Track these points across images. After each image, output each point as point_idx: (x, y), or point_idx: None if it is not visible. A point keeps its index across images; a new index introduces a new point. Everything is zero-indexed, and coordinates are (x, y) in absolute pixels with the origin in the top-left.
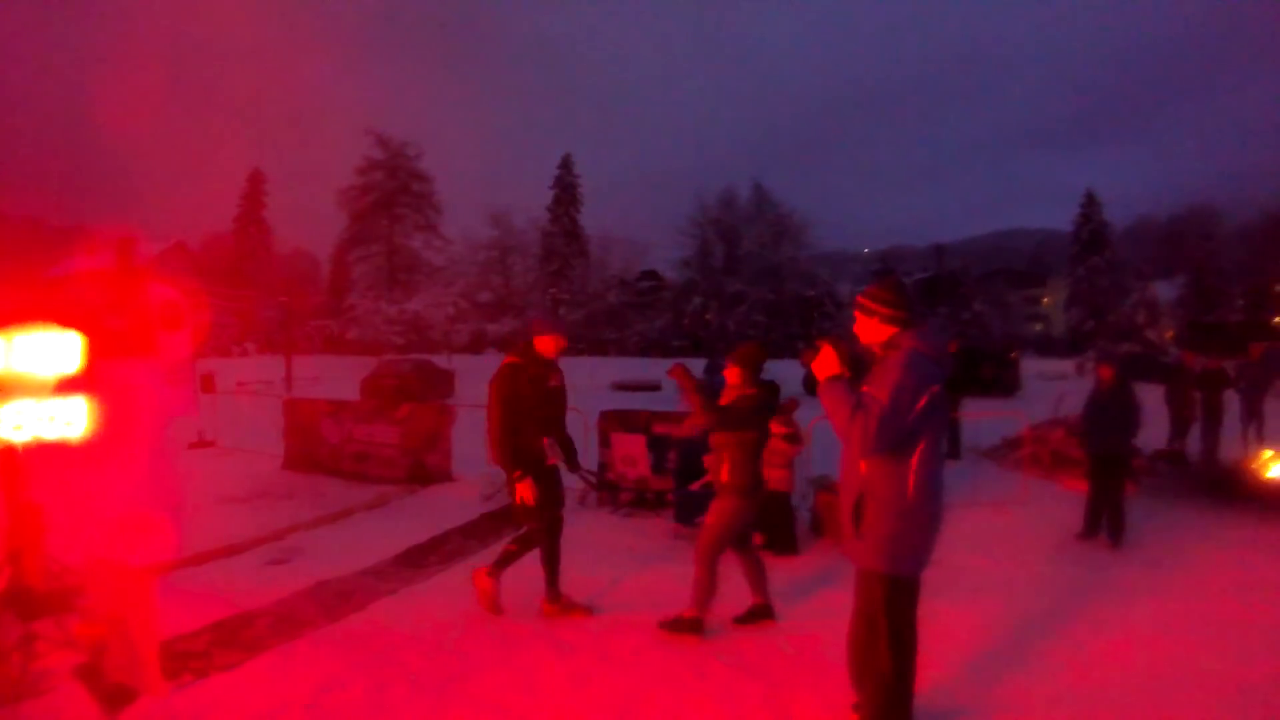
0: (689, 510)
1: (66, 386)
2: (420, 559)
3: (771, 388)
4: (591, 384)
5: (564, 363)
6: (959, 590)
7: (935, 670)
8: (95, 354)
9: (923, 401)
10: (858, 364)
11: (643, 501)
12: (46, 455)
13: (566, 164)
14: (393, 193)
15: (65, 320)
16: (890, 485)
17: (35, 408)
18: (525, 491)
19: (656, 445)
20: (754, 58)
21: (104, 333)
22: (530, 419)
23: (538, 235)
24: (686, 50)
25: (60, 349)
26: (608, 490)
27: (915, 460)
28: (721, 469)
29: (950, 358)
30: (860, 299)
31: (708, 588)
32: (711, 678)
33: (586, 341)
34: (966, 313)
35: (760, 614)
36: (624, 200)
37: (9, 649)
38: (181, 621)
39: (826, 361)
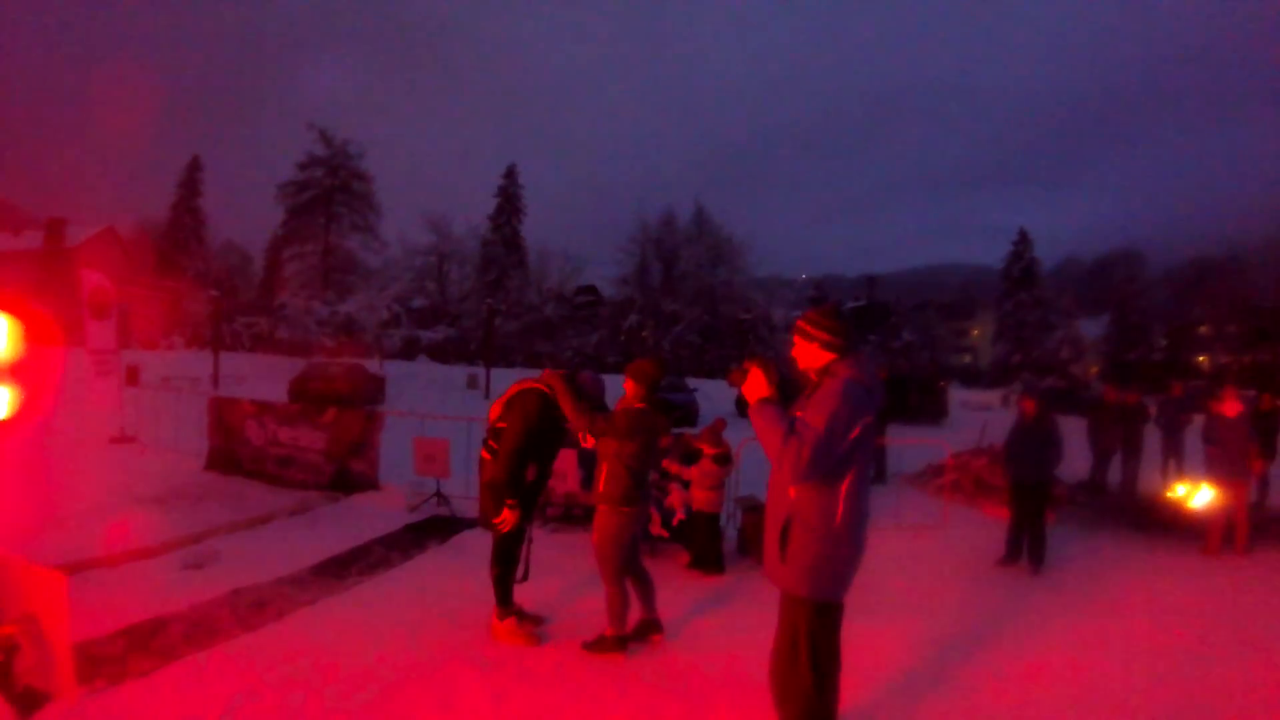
0: None
1: None
2: (341, 570)
3: (665, 407)
4: None
5: (495, 374)
6: (881, 611)
7: (856, 690)
8: (22, 339)
9: (856, 431)
10: (785, 386)
11: (570, 517)
12: None
13: (511, 174)
14: (332, 190)
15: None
16: (818, 512)
17: None
18: (510, 517)
19: (586, 460)
20: (695, 89)
21: (29, 317)
22: (535, 450)
23: (477, 244)
24: (630, 75)
25: None
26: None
27: (845, 488)
28: (599, 480)
29: (882, 387)
30: (800, 323)
31: (621, 603)
32: (632, 695)
33: (520, 353)
34: (896, 341)
35: (647, 630)
36: (565, 214)
37: None
38: (95, 624)
39: (756, 384)
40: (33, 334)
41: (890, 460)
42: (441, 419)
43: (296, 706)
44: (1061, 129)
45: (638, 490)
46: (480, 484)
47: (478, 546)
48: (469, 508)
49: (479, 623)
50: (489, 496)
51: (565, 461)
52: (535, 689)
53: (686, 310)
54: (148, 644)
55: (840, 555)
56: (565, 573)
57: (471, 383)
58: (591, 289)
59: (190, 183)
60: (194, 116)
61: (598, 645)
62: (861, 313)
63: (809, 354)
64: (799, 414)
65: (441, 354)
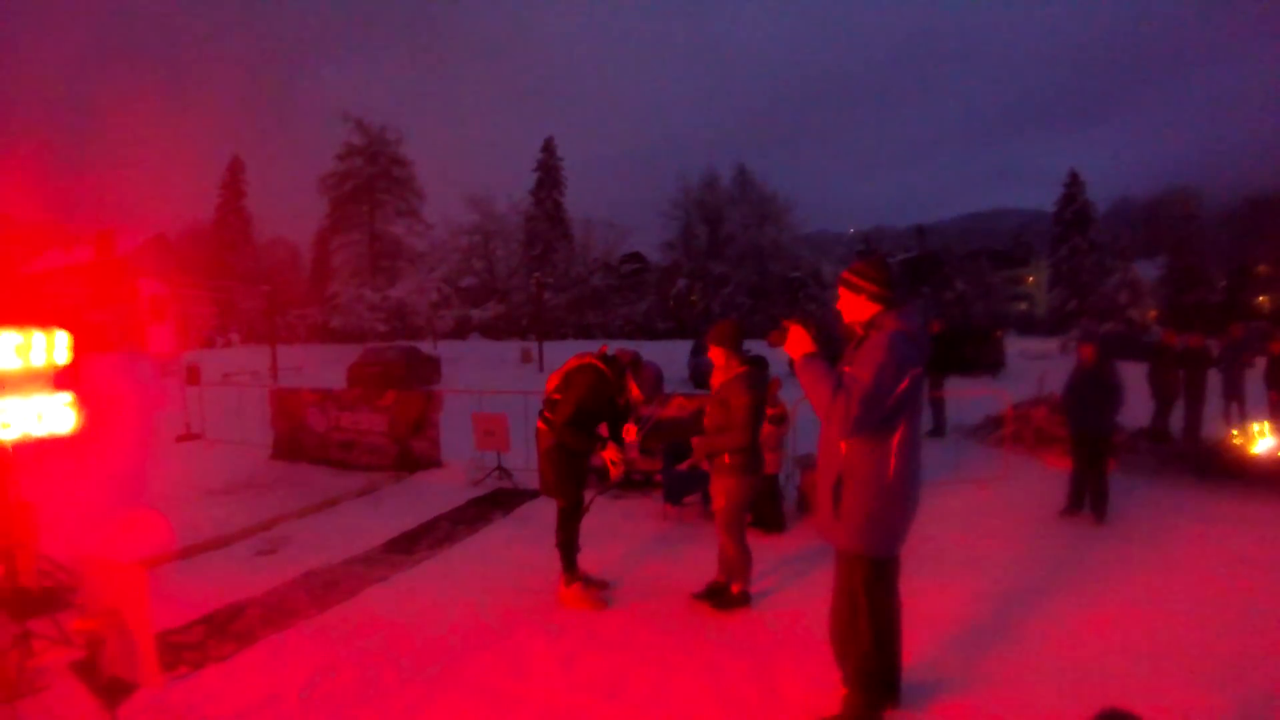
0: (677, 490)
1: (54, 383)
2: (409, 546)
3: (760, 361)
4: None
5: (547, 347)
6: (944, 567)
7: (921, 644)
8: (80, 349)
9: (904, 383)
10: (829, 342)
11: (630, 482)
12: (36, 452)
13: (549, 147)
14: (373, 178)
15: (48, 317)
16: (870, 467)
17: (23, 405)
18: (615, 456)
19: (643, 427)
20: (731, 43)
21: (87, 328)
22: (591, 423)
23: (520, 219)
24: (664, 36)
25: (47, 346)
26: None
27: (895, 442)
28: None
29: (930, 340)
30: (845, 275)
31: (745, 560)
32: (697, 655)
33: (571, 325)
34: (950, 292)
35: (718, 592)
36: (607, 184)
37: (5, 648)
38: (175, 614)
39: (798, 339)
40: (89, 343)
41: (949, 413)
42: (498, 394)
43: (373, 678)
44: (1107, 64)
45: (756, 456)
46: (539, 453)
47: (541, 516)
48: (530, 479)
49: (546, 589)
50: (549, 465)
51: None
52: (603, 652)
53: (734, 271)
54: (226, 629)
55: (894, 510)
56: (627, 537)
57: (525, 357)
58: (637, 256)
59: (233, 183)
60: (232, 118)
61: (724, 601)
62: (912, 264)
63: (855, 307)
64: (846, 368)
65: (493, 331)
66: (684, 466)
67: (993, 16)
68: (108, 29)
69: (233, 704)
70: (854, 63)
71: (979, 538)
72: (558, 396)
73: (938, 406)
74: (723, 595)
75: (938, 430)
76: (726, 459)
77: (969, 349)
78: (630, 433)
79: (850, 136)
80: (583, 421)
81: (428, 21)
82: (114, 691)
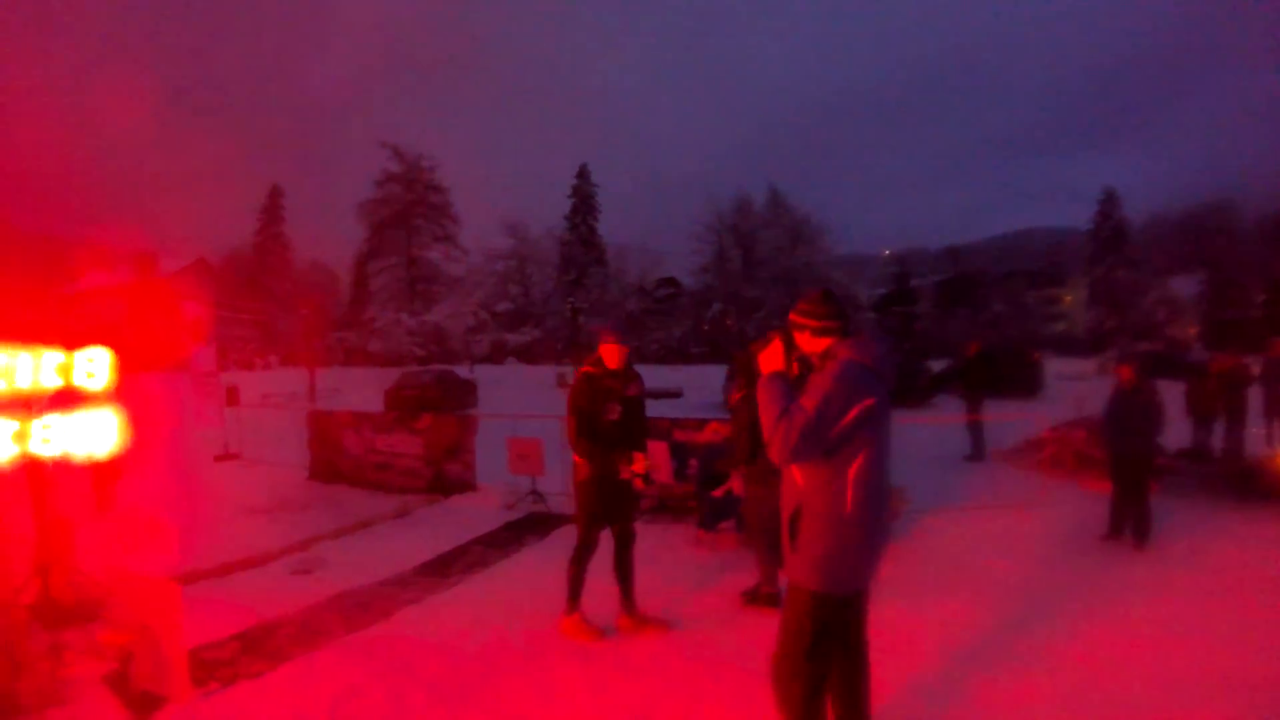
0: (711, 516)
1: (95, 401)
2: (443, 569)
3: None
4: None
5: None
6: (981, 592)
7: (950, 670)
8: (123, 369)
9: (853, 413)
10: (808, 365)
11: (664, 508)
12: (73, 468)
13: (583, 174)
14: (410, 205)
15: (89, 337)
16: (826, 499)
17: (64, 422)
18: (638, 464)
19: (678, 452)
20: (753, 67)
21: (129, 348)
22: (604, 428)
23: (555, 245)
24: (688, 63)
25: (89, 365)
26: None
27: (853, 473)
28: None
29: (894, 367)
30: (790, 315)
31: (771, 563)
32: (728, 681)
33: None
34: (986, 314)
35: (760, 598)
36: (639, 209)
37: (37, 658)
38: (208, 630)
39: (771, 356)
40: (132, 363)
41: (987, 436)
42: (533, 418)
43: (401, 700)
44: (1135, 77)
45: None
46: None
47: (575, 542)
48: (565, 504)
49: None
50: (576, 495)
51: (658, 454)
52: (633, 679)
53: (768, 295)
54: (259, 647)
55: (851, 545)
56: (661, 563)
57: (561, 381)
58: (671, 281)
59: (272, 209)
60: (272, 147)
61: (753, 598)
62: (947, 286)
63: (807, 343)
64: (801, 399)
65: (529, 355)
66: (719, 492)
67: (1016, 36)
68: (153, 65)
69: None
70: (875, 83)
71: (1017, 563)
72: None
73: (976, 430)
74: (755, 593)
75: (977, 454)
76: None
77: (1005, 370)
78: (639, 462)
79: (877, 158)
80: (589, 429)
81: (456, 61)
82: (144, 705)
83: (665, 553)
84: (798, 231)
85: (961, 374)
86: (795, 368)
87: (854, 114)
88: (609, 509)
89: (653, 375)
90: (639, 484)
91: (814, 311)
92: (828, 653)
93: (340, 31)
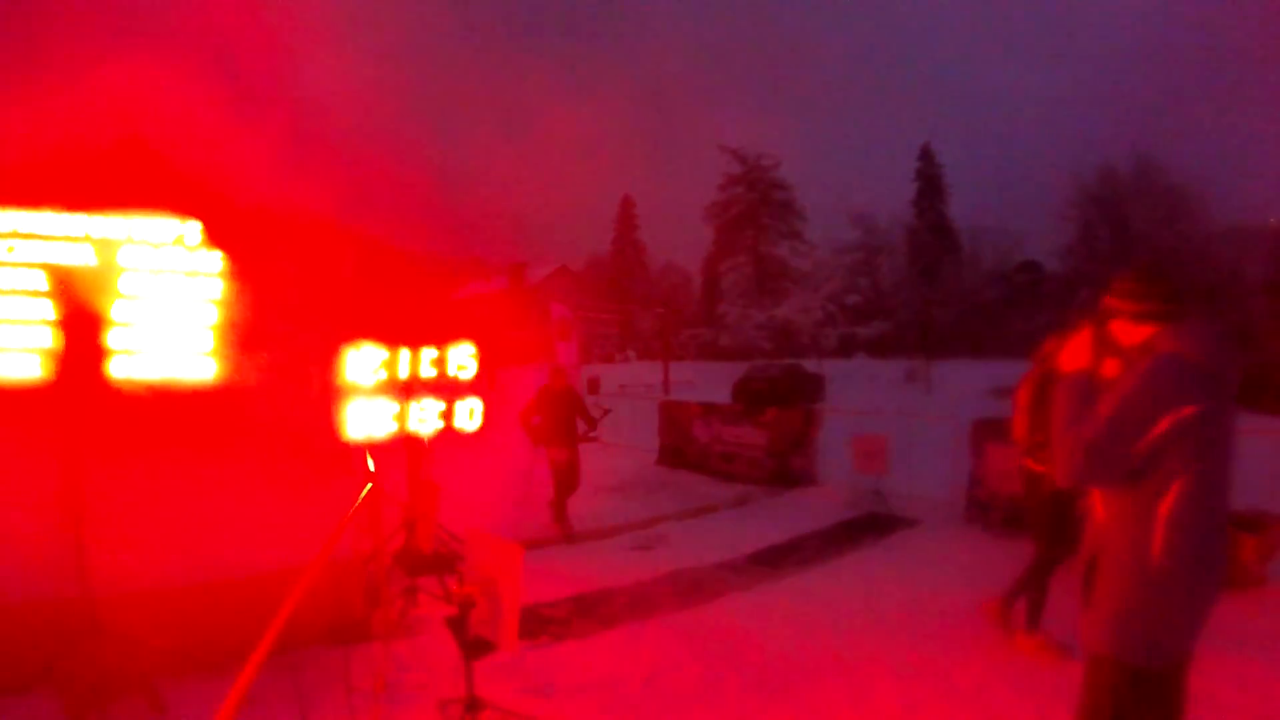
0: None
1: (464, 389)
2: (776, 559)
3: None
4: (967, 388)
5: (937, 365)
6: None
7: None
8: (493, 363)
9: (1165, 424)
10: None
11: (1015, 521)
12: (449, 443)
13: (927, 155)
14: (755, 204)
15: (466, 336)
16: (1129, 542)
17: (438, 406)
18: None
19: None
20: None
21: (504, 345)
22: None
23: (903, 233)
24: (1026, 26)
25: (460, 359)
26: (978, 507)
27: (1165, 508)
28: None
29: (1238, 363)
30: (1104, 298)
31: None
32: None
33: (964, 342)
34: None
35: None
36: (994, 188)
37: (395, 596)
38: (552, 590)
39: (1077, 350)
40: (497, 358)
41: None
42: (879, 414)
43: (714, 681)
44: None
45: None
46: (1029, 494)
47: (912, 547)
48: (907, 506)
49: (905, 627)
50: (1039, 509)
51: (1009, 460)
52: (952, 705)
53: None
54: (592, 611)
55: (1159, 605)
56: (1002, 581)
57: (911, 375)
58: (1033, 265)
59: (626, 218)
60: (620, 159)
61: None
62: None
63: (1126, 331)
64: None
65: (879, 348)
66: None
67: None
68: (507, 98)
69: (580, 678)
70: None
71: None
72: (1040, 439)
73: None
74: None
75: None
76: None
77: None
78: None
79: (1272, 99)
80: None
81: (789, 49)
82: (476, 648)
83: (1010, 571)
84: (1175, 201)
85: None
86: (1113, 365)
87: (1243, 47)
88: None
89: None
90: None
91: (1133, 291)
92: None
93: (667, 39)
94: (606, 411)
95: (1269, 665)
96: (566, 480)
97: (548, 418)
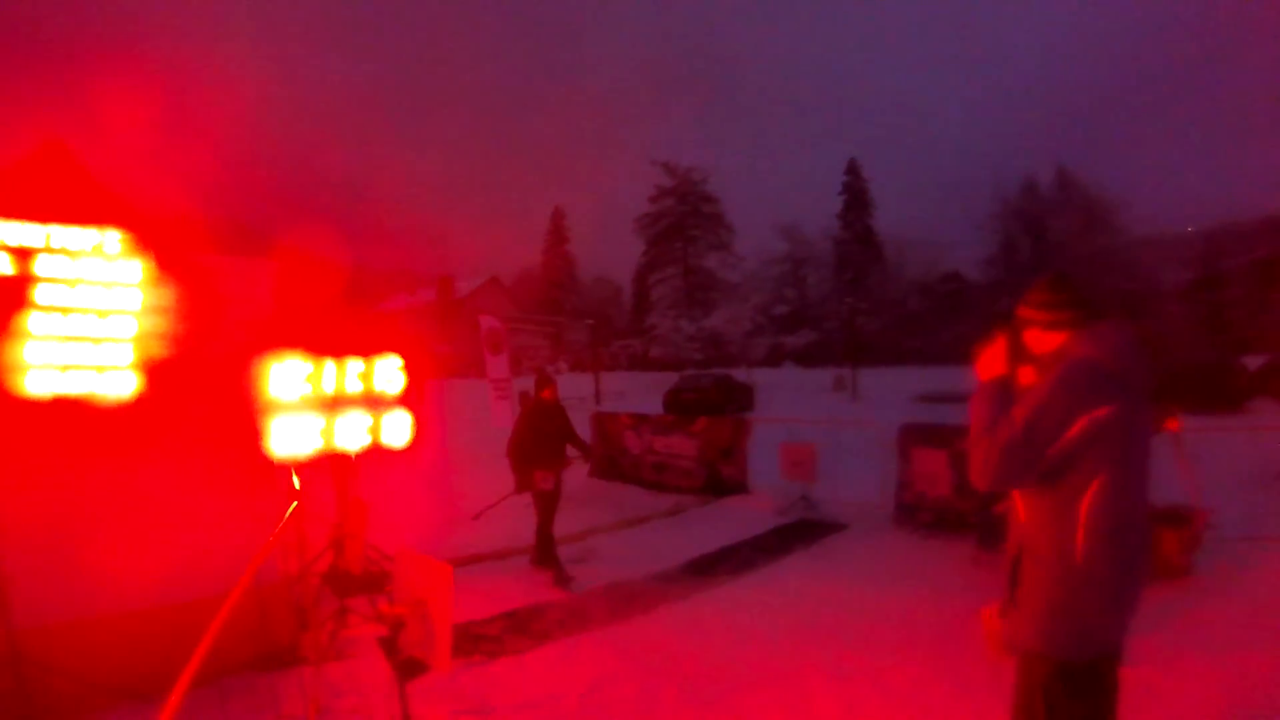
0: (992, 534)
1: (390, 402)
2: (709, 568)
3: None
4: (894, 396)
5: (863, 373)
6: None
7: None
8: (419, 375)
9: (1078, 427)
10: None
11: (943, 523)
12: (373, 459)
13: (853, 170)
14: (684, 216)
15: (393, 348)
16: (1051, 541)
17: (365, 420)
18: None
19: (960, 463)
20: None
21: (431, 358)
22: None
23: (830, 245)
24: (955, 38)
25: (387, 372)
26: (906, 510)
27: (1084, 507)
28: None
29: (1146, 365)
30: (1017, 308)
31: None
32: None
33: (888, 352)
34: None
35: None
36: (917, 201)
37: (325, 619)
38: (483, 607)
39: (992, 358)
40: (424, 371)
41: None
42: (806, 423)
43: (653, 694)
44: None
45: None
46: None
47: (843, 551)
48: (837, 511)
49: (840, 630)
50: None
51: (937, 464)
52: (888, 704)
53: None
54: (526, 627)
55: (1083, 599)
56: (931, 581)
57: (838, 384)
58: (956, 275)
59: (557, 230)
60: (550, 171)
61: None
62: (1266, 267)
63: (1039, 340)
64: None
65: (807, 358)
66: (1001, 508)
67: None
68: (438, 112)
69: (516, 696)
70: (1190, 20)
71: None
72: None
73: None
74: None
75: None
76: None
77: None
78: None
79: (1191, 114)
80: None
81: (723, 66)
82: (409, 669)
83: (937, 569)
84: (1092, 213)
85: None
86: (1026, 373)
87: (1156, 67)
88: None
89: (937, 378)
90: None
91: (1044, 301)
92: None
93: (599, 54)
94: None
95: (1201, 651)
96: (552, 511)
97: (537, 438)
